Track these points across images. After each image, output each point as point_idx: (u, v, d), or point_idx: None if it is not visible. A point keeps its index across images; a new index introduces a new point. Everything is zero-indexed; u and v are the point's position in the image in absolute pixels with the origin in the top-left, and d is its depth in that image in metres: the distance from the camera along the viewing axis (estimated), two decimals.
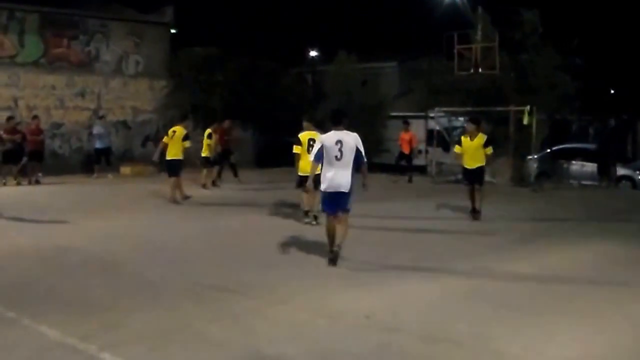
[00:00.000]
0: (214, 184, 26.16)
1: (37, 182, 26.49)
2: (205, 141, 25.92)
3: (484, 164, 18.69)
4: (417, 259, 12.95)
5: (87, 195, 23.47)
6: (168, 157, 20.95)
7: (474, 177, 18.55)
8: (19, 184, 26.06)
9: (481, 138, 18.59)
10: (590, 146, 31.17)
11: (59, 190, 24.62)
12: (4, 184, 25.69)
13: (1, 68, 31.41)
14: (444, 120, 33.86)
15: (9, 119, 27.47)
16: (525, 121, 27.53)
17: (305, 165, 15.43)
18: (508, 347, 7.92)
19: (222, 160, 27.10)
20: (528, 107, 27.40)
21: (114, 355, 7.48)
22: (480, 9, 30.95)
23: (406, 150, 29.89)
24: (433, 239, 15.35)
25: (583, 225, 17.44)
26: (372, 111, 35.20)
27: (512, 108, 28.42)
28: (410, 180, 29.29)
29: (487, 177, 29.86)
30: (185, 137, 20.96)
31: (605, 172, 28.55)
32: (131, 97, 34.86)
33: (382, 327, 8.58)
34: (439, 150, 31.95)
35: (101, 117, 32.02)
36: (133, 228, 16.30)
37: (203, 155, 25.73)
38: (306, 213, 16.78)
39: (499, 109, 28.72)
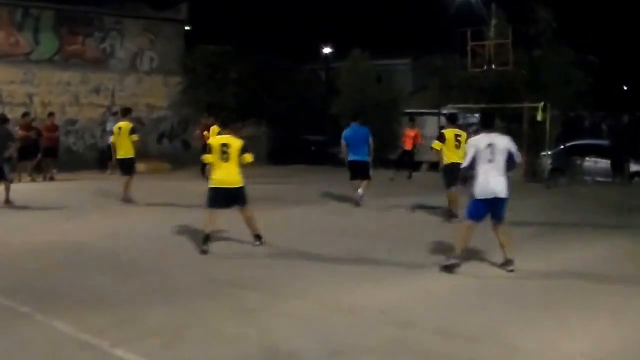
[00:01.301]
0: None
1: (52, 179, 26.54)
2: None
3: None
4: (431, 254, 12.90)
5: (101, 192, 23.45)
6: (119, 157, 20.35)
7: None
8: (34, 180, 26.11)
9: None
10: (604, 142, 31.06)
11: (74, 187, 24.63)
12: (19, 181, 25.70)
13: (17, 65, 31.50)
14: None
15: (25, 115, 27.51)
16: (539, 118, 27.42)
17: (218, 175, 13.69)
18: (523, 342, 7.87)
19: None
20: (542, 104, 27.28)
21: (127, 351, 7.44)
22: (494, 6, 30.83)
23: (409, 147, 29.76)
24: (446, 235, 15.26)
25: (597, 222, 17.34)
26: (386, 108, 35.13)
27: (526, 105, 28.31)
28: (410, 177, 29.03)
29: None
30: (132, 132, 20.20)
31: (619, 168, 28.44)
32: (146, 94, 34.90)
33: (397, 323, 8.54)
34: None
35: (115, 114, 32.01)
36: (147, 225, 16.29)
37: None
38: (206, 239, 13.08)
39: (513, 105, 28.62)
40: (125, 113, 21.34)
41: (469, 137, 16.97)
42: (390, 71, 41.14)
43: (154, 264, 11.97)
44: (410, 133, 29.86)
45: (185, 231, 15.38)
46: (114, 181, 25.86)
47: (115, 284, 10.45)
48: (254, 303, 9.41)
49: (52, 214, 17.56)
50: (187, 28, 37.77)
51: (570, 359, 7.49)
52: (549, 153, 29.16)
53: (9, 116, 26.92)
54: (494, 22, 30.06)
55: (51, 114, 28.37)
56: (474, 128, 33.72)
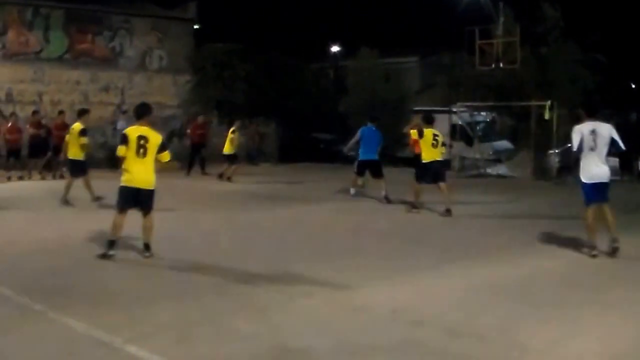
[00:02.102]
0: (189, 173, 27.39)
1: (62, 177, 26.52)
2: (229, 136, 25.87)
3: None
4: (441, 253, 12.93)
5: (111, 190, 23.43)
6: (69, 156, 19.71)
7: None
8: (43, 178, 26.14)
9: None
10: None
11: (82, 185, 24.65)
12: (29, 178, 25.78)
13: (26, 63, 31.63)
14: (466, 115, 33.78)
15: (34, 113, 27.61)
16: (547, 116, 27.42)
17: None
18: (533, 341, 7.87)
19: (194, 154, 27.28)
20: (549, 102, 27.28)
21: (139, 347, 7.47)
22: (501, 4, 30.83)
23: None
24: (456, 234, 15.31)
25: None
26: (394, 106, 35.15)
27: (533, 103, 28.31)
28: None
29: (508, 172, 29.96)
30: (82, 133, 19.32)
31: (627, 166, 28.38)
32: (155, 92, 34.91)
33: (408, 321, 8.55)
34: (462, 144, 31.86)
35: (125, 112, 32.07)
36: (158, 222, 16.28)
37: (225, 152, 25.62)
38: (111, 244, 12.20)
39: (520, 103, 28.63)
40: (81, 113, 20.64)
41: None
42: (398, 69, 41.13)
43: (164, 260, 11.97)
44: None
45: (196, 228, 15.43)
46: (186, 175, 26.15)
47: (127, 281, 10.50)
48: (264, 301, 9.45)
49: (62, 212, 17.62)
50: (195, 26, 37.83)
51: (581, 357, 7.48)
52: (557, 151, 29.13)
53: (20, 114, 27.14)
54: (501, 20, 30.09)
55: (61, 112, 28.38)
56: (482, 125, 34.00)
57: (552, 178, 27.73)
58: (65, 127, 27.58)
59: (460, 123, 32.44)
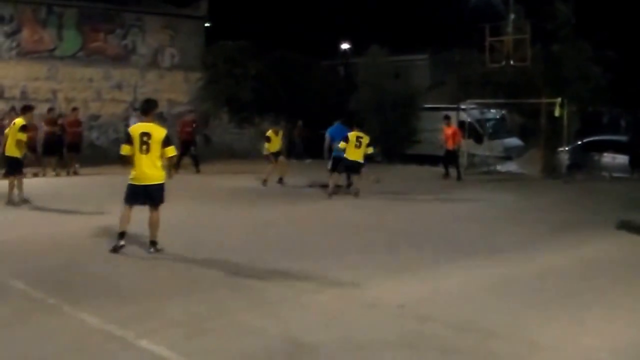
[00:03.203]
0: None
1: (75, 173, 26.65)
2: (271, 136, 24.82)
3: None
4: (450, 249, 12.93)
5: (124, 186, 23.54)
6: (6, 153, 18.71)
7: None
8: (57, 175, 26.24)
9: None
10: (622, 138, 30.90)
11: (97, 181, 24.73)
12: (44, 175, 25.88)
13: (40, 61, 31.78)
14: (476, 112, 33.75)
15: (50, 110, 27.72)
16: (557, 113, 27.34)
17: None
18: (542, 337, 7.89)
19: (184, 152, 27.15)
20: (559, 100, 27.21)
21: (151, 342, 7.54)
22: (512, 1, 30.74)
23: (450, 146, 27.44)
24: (465, 230, 15.32)
25: (614, 218, 17.29)
26: (404, 103, 35.13)
27: (544, 100, 28.24)
28: (459, 178, 26.50)
29: (518, 169, 29.96)
30: (22, 129, 18.34)
31: (637, 164, 28.31)
32: (167, 90, 35.07)
33: (416, 317, 8.59)
34: (471, 142, 31.84)
35: (137, 109, 32.14)
36: (169, 218, 16.34)
37: (267, 152, 24.95)
38: (121, 235, 12.47)
39: (530, 101, 28.57)
40: (24, 110, 19.71)
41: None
42: (408, 66, 41.14)
43: (175, 256, 12.04)
44: (448, 131, 27.67)
45: (207, 224, 15.50)
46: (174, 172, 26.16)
47: (139, 276, 10.58)
48: (274, 296, 9.51)
49: (77, 208, 17.66)
50: (206, 24, 37.89)
51: (590, 354, 7.49)
52: (567, 149, 29.07)
53: (35, 112, 27.22)
54: (512, 17, 29.98)
55: (74, 109, 28.51)
56: (492, 123, 33.97)
57: (561, 176, 27.68)
58: (78, 124, 27.76)
59: (469, 120, 32.41)
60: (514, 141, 33.69)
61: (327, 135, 22.69)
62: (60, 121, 27.38)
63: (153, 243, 12.33)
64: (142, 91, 34.14)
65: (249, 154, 33.20)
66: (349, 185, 21.23)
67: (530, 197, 21.10)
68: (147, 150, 12.00)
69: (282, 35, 40.89)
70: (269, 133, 24.24)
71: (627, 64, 32.15)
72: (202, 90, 35.20)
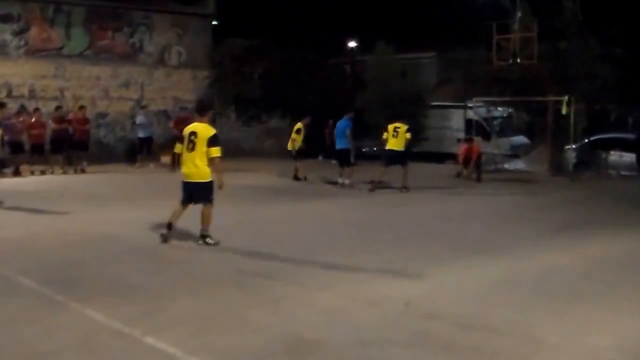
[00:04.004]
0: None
1: (83, 171, 26.72)
2: (293, 135, 24.83)
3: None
4: (455, 247, 12.95)
5: (130, 184, 23.64)
6: None
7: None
8: (65, 172, 26.32)
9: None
10: (630, 136, 30.87)
11: (104, 179, 24.82)
12: (52, 173, 25.96)
13: (48, 60, 31.81)
14: (483, 110, 33.76)
15: (58, 108, 27.82)
16: (564, 111, 27.33)
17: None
18: (547, 336, 7.88)
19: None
20: (566, 97, 27.19)
21: (157, 339, 7.56)
22: None
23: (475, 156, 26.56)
24: (470, 228, 15.34)
25: (621, 215, 17.31)
26: (411, 101, 35.13)
27: (551, 98, 28.23)
28: (478, 179, 25.74)
29: (525, 167, 29.97)
30: None
31: None
32: (174, 88, 35.13)
33: (421, 315, 8.60)
34: (478, 139, 31.84)
35: (144, 107, 32.20)
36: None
37: (295, 149, 24.76)
38: (168, 226, 12.97)
39: (537, 99, 28.56)
40: None
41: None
42: (415, 64, 41.16)
43: (181, 253, 12.10)
44: (475, 147, 26.82)
45: (213, 222, 15.54)
46: (142, 173, 26.09)
47: (146, 274, 10.59)
48: (279, 293, 9.52)
49: (83, 205, 17.72)
50: (214, 22, 37.92)
51: (596, 352, 7.48)
52: (574, 146, 29.05)
53: (42, 109, 27.33)
54: (519, 14, 29.97)
55: (82, 107, 28.58)
56: (499, 120, 33.95)
57: (568, 174, 27.67)
58: (86, 122, 27.84)
59: (476, 118, 32.42)
60: (520, 139, 33.70)
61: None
62: (68, 117, 27.48)
63: (202, 237, 12.69)
64: (149, 89, 34.28)
65: (256, 152, 33.28)
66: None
67: (536, 195, 21.10)
68: (192, 149, 12.33)
69: (289, 33, 40.83)
70: (300, 125, 24.33)
71: (634, 61, 32.05)
72: (209, 88, 35.26)
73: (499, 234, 14.58)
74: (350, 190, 21.49)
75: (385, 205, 18.72)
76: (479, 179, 25.11)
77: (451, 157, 31.67)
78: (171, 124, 29.46)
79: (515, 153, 32.79)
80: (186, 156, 12.49)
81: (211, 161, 12.45)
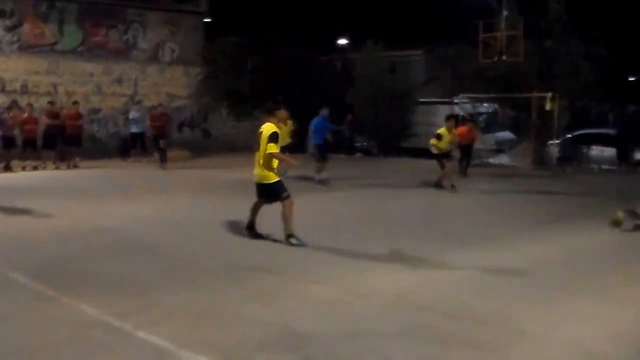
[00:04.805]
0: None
1: (75, 166, 26.61)
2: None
3: None
4: (443, 241, 12.94)
5: (123, 179, 23.54)
6: None
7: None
8: (57, 168, 26.19)
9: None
10: (610, 131, 31.01)
11: (97, 174, 24.72)
12: (44, 168, 25.83)
13: (42, 56, 31.67)
14: (469, 107, 33.74)
15: (51, 103, 27.67)
16: (548, 107, 27.44)
17: None
18: (531, 326, 7.88)
19: (157, 144, 26.71)
20: (550, 94, 27.28)
21: (149, 333, 7.47)
22: None
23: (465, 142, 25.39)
24: (458, 221, 15.35)
25: (603, 208, 17.29)
26: (400, 97, 35.18)
27: (535, 95, 28.30)
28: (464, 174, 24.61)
29: (510, 161, 30.00)
30: None
31: (624, 156, 28.44)
32: (167, 84, 35.08)
33: (411, 306, 8.58)
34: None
35: (137, 102, 32.10)
36: (167, 211, 16.35)
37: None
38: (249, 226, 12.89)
39: (522, 95, 28.63)
40: None
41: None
42: (404, 62, 41.19)
43: (175, 248, 12.03)
44: (462, 130, 25.11)
45: (205, 217, 15.44)
46: (135, 168, 25.98)
47: (138, 268, 10.49)
48: (272, 286, 9.47)
49: (76, 201, 17.63)
50: (206, 20, 37.86)
51: (578, 341, 7.47)
52: (557, 141, 29.18)
53: (35, 105, 27.16)
54: (505, 13, 29.98)
55: (75, 103, 28.45)
56: (484, 117, 33.97)
57: (551, 168, 27.74)
58: (79, 117, 27.71)
59: (462, 114, 32.41)
60: (505, 134, 33.72)
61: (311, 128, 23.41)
62: (61, 112, 27.35)
63: (287, 236, 12.12)
64: (142, 85, 34.22)
65: (248, 147, 33.22)
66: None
67: (521, 189, 21.11)
68: (257, 149, 12.16)
69: (281, 30, 40.79)
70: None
71: (615, 60, 32.18)
72: (202, 85, 35.25)
73: (485, 227, 14.59)
74: (338, 185, 21.41)
75: (375, 199, 18.68)
76: (465, 174, 24.99)
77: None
78: (148, 122, 29.20)
79: (500, 148, 32.83)
80: (255, 157, 12.31)
81: (267, 156, 12.09)
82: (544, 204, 18.16)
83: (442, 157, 20.81)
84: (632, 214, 13.93)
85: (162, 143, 27.07)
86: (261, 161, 12.07)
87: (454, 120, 21.87)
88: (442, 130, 20.88)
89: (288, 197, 12.11)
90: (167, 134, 27.61)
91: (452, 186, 20.16)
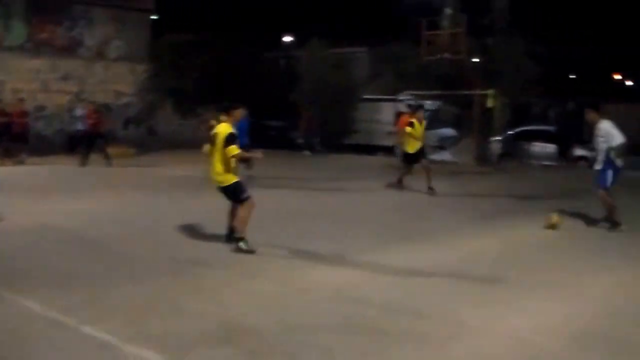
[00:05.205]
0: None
1: (21, 163, 26.35)
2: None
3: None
4: (383, 236, 13.08)
5: (69, 175, 23.37)
6: None
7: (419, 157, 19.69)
8: (3, 164, 25.92)
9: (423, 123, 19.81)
10: (551, 128, 31.41)
11: (43, 171, 24.49)
12: None
13: None
14: (412, 103, 33.99)
15: None
16: (489, 104, 27.70)
17: None
18: (470, 319, 8.02)
19: (87, 144, 26.44)
20: (492, 91, 27.55)
21: (94, 328, 7.49)
22: None
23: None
24: (400, 217, 15.47)
25: (543, 203, 17.57)
26: (344, 94, 35.31)
27: (477, 92, 28.56)
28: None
29: (452, 158, 30.25)
30: None
31: (564, 152, 28.82)
32: (113, 81, 34.81)
33: (350, 301, 8.66)
34: None
35: (83, 100, 31.85)
36: (113, 207, 16.30)
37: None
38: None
39: (464, 92, 28.87)
40: None
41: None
42: (348, 59, 41.29)
43: (119, 244, 11.99)
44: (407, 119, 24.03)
45: (151, 212, 15.45)
46: (81, 165, 25.75)
47: (83, 264, 10.45)
48: (214, 281, 9.52)
49: (21, 197, 17.47)
50: (153, 17, 37.69)
51: (518, 333, 7.62)
52: (498, 138, 29.48)
53: None
54: (448, 11, 30.25)
55: (21, 100, 28.18)
56: (428, 114, 34.22)
57: (493, 164, 28.03)
58: (25, 115, 27.44)
59: (405, 111, 32.65)
60: (448, 131, 34.00)
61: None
62: (7, 110, 27.09)
63: (237, 239, 11.43)
64: (89, 82, 33.92)
65: (192, 144, 33.11)
66: None
67: (463, 185, 21.33)
68: (213, 152, 11.53)
69: (226, 28, 40.71)
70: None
71: (556, 59, 32.63)
72: (148, 82, 35.08)
73: (427, 222, 14.76)
74: (282, 181, 21.46)
75: (318, 196, 18.76)
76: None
77: (381, 149, 31.91)
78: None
79: (442, 145, 33.08)
80: (211, 158, 11.59)
81: (232, 159, 11.47)
82: (484, 200, 18.37)
83: (415, 157, 19.70)
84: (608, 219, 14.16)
85: (99, 142, 26.43)
86: (219, 164, 11.42)
87: (422, 110, 21.16)
88: (414, 120, 19.87)
89: (248, 198, 11.53)
90: (102, 131, 27.02)
91: (430, 188, 19.18)
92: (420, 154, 19.60)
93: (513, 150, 29.84)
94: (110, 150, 28.35)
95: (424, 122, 20.10)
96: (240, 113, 12.09)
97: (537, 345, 7.31)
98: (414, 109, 23.54)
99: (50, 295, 8.66)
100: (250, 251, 11.15)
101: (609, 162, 13.44)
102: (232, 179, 11.46)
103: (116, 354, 6.89)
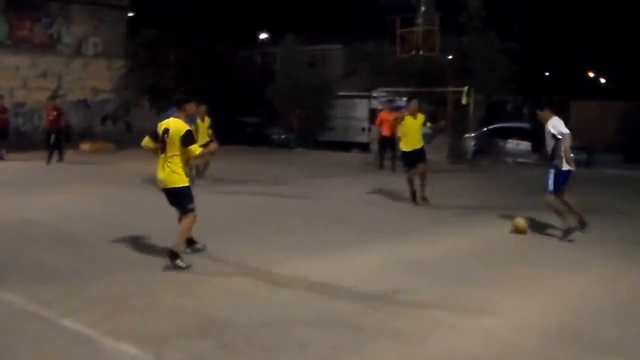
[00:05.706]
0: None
1: (1, 159, 26.30)
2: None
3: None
4: (360, 232, 13.15)
5: (48, 171, 23.35)
6: None
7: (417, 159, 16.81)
8: None
9: (421, 118, 17.27)
10: (525, 125, 31.51)
11: (22, 166, 24.46)
12: None
13: None
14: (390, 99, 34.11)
15: None
16: (464, 101, 27.75)
17: None
18: (444, 315, 8.09)
19: (49, 141, 25.86)
20: (466, 88, 27.62)
21: (73, 321, 7.59)
22: None
23: (386, 133, 24.81)
24: (374, 214, 15.51)
25: (517, 200, 17.60)
26: (319, 91, 35.39)
27: (451, 89, 28.65)
28: (393, 169, 23.89)
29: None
30: None
31: (538, 150, 28.95)
32: (90, 78, 34.84)
33: (325, 296, 8.75)
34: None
35: (60, 96, 31.79)
36: (91, 202, 16.30)
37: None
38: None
39: (439, 89, 28.94)
40: None
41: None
42: (323, 56, 41.40)
43: (98, 238, 12.02)
44: (387, 116, 24.55)
45: (129, 207, 15.50)
46: (60, 161, 25.70)
47: (62, 258, 10.53)
48: (191, 277, 9.58)
49: (1, 192, 17.46)
50: (129, 14, 37.65)
51: (489, 330, 7.70)
52: (473, 135, 29.56)
53: None
54: (422, 9, 30.32)
55: (0, 97, 28.10)
56: (402, 110, 34.33)
57: (467, 161, 28.13)
58: (4, 111, 27.37)
59: (380, 108, 32.77)
60: (422, 128, 34.09)
61: None
62: None
63: (172, 253, 10.11)
64: (67, 79, 33.91)
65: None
66: None
67: (436, 183, 21.37)
68: (163, 150, 10.34)
69: (203, 24, 40.75)
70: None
71: (530, 56, 32.78)
72: (125, 78, 35.03)
73: (401, 219, 14.80)
74: (260, 176, 21.49)
75: (296, 192, 18.77)
76: (382, 167, 25.31)
77: (356, 145, 32.04)
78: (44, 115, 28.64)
79: None
80: (159, 159, 10.47)
81: (192, 158, 11.00)
82: (458, 197, 18.39)
83: (412, 156, 16.98)
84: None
85: (52, 138, 25.78)
86: (170, 163, 10.27)
87: (416, 100, 18.06)
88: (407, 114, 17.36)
89: (193, 210, 10.41)
90: (61, 128, 26.68)
91: (424, 199, 16.86)
92: (418, 154, 16.90)
93: (487, 148, 29.84)
94: (89, 146, 28.36)
95: (422, 117, 17.48)
96: (192, 107, 10.90)
97: (512, 342, 7.38)
98: (394, 106, 23.69)
99: (30, 289, 8.73)
100: (185, 268, 9.94)
101: (558, 165, 13.19)
102: (182, 181, 10.36)
103: (95, 347, 6.97)
